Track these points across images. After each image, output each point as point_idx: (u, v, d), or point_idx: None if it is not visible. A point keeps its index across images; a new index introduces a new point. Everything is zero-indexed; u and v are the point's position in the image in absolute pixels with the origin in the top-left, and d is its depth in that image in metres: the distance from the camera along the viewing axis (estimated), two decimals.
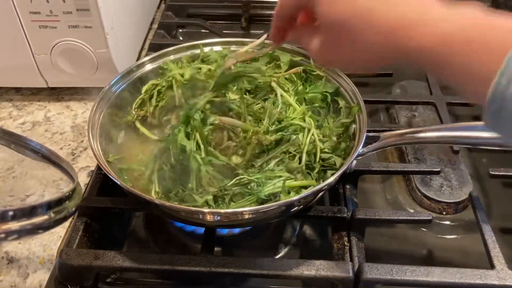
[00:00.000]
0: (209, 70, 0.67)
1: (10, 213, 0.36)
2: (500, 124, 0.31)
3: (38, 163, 0.71)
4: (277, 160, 0.58)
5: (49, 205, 0.41)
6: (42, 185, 0.68)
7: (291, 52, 0.71)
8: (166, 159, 0.58)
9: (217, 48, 0.74)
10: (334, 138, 0.61)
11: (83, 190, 0.67)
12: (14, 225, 0.36)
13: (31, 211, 0.38)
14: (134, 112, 0.67)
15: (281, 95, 0.65)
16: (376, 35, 0.36)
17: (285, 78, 0.69)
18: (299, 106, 0.63)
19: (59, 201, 0.43)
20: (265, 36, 0.65)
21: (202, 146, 0.57)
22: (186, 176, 0.56)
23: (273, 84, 0.66)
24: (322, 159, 0.59)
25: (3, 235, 0.36)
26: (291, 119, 0.61)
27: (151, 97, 0.68)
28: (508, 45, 0.29)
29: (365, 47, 0.38)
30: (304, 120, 0.61)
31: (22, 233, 0.37)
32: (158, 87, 0.68)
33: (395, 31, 0.35)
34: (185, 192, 0.55)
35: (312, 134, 0.60)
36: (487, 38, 0.31)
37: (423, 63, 0.35)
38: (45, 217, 0.40)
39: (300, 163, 0.58)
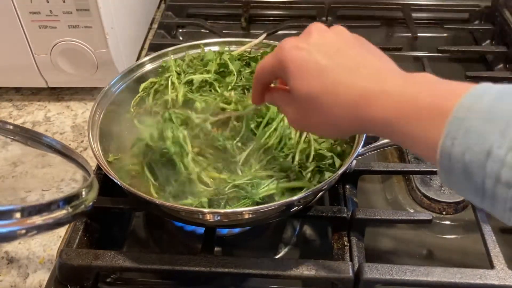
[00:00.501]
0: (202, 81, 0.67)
1: (29, 209, 0.37)
2: (452, 181, 0.34)
3: (38, 162, 0.71)
4: (268, 158, 0.58)
5: (67, 200, 0.41)
6: (42, 184, 0.68)
7: None
8: (153, 156, 0.58)
9: (217, 48, 0.74)
10: (332, 140, 0.61)
11: None
12: (33, 221, 0.37)
13: (49, 207, 0.39)
14: (132, 110, 0.68)
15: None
16: (341, 109, 0.40)
17: None
18: None
19: (76, 196, 0.43)
20: (264, 35, 0.65)
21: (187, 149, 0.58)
22: (174, 173, 0.56)
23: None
24: (318, 160, 0.59)
25: (23, 231, 0.36)
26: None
27: (149, 95, 0.68)
28: (448, 109, 0.32)
29: (333, 120, 0.41)
30: None
31: (41, 229, 0.38)
32: (156, 86, 0.68)
33: (357, 105, 0.39)
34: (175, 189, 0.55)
35: (307, 134, 0.60)
36: (431, 105, 0.34)
37: (382, 132, 0.39)
38: (63, 212, 0.40)
39: (293, 162, 0.58)
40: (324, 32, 0.43)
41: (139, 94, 0.69)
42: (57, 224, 0.39)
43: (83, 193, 0.45)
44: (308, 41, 0.42)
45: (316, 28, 0.43)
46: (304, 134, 0.60)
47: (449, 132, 0.32)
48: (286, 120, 0.60)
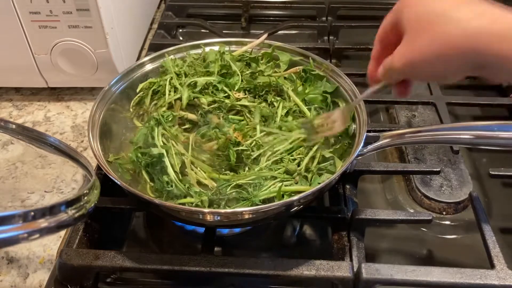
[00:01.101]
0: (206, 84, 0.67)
1: (31, 213, 0.36)
2: None
3: (38, 163, 0.71)
4: (276, 159, 0.59)
5: (69, 203, 0.41)
6: (43, 185, 0.68)
7: (291, 51, 0.71)
8: (147, 160, 0.58)
9: (217, 48, 0.74)
10: (332, 140, 0.61)
11: None
12: (35, 225, 0.37)
13: (51, 210, 0.38)
14: (132, 110, 0.68)
15: (297, 104, 0.65)
16: (456, 27, 0.39)
17: (284, 78, 0.69)
18: (309, 113, 0.64)
19: (78, 198, 0.43)
20: (265, 36, 0.66)
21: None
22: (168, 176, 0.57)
23: (284, 88, 0.66)
24: (320, 162, 0.59)
25: (25, 235, 0.36)
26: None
27: (147, 96, 0.68)
28: None
29: (445, 39, 0.39)
30: None
31: (43, 232, 0.37)
32: (155, 86, 0.68)
33: (477, 36, 0.38)
34: (171, 188, 0.56)
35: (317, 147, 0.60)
36: None
37: (499, 66, 0.38)
38: (65, 215, 0.40)
39: (299, 166, 0.58)
40: None
41: (138, 95, 0.69)
42: (59, 227, 0.39)
43: (85, 195, 0.45)
44: None
45: None
46: (315, 146, 0.60)
47: None
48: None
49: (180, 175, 0.57)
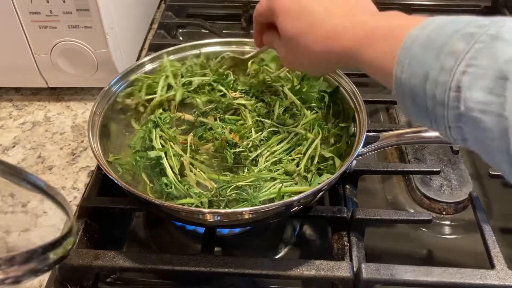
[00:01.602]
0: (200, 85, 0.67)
1: (8, 259, 0.35)
2: (406, 107, 0.37)
3: (38, 169, 0.71)
4: (275, 160, 0.58)
5: (47, 248, 0.39)
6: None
7: None
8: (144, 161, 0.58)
9: (217, 48, 0.74)
10: (332, 140, 0.61)
11: (84, 190, 0.67)
12: (12, 272, 0.35)
13: (29, 256, 0.37)
14: (119, 100, 0.66)
15: (294, 102, 0.65)
16: (318, 45, 0.46)
17: (279, 77, 0.69)
18: (310, 113, 0.64)
19: (57, 242, 0.41)
20: (259, 50, 0.66)
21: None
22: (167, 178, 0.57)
23: (285, 90, 0.66)
24: (319, 162, 0.59)
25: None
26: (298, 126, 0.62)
27: (141, 89, 0.67)
28: (401, 39, 0.36)
29: (313, 56, 0.47)
30: (312, 129, 0.62)
31: (20, 278, 0.36)
32: (150, 81, 0.67)
33: (329, 40, 0.45)
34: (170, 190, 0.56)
35: (316, 145, 0.60)
36: (387, 35, 0.39)
37: (349, 61, 0.44)
38: (44, 260, 0.38)
39: (298, 166, 0.58)
40: None
41: (131, 87, 0.67)
42: (36, 272, 0.37)
43: (63, 238, 0.42)
44: None
45: None
46: (314, 144, 0.60)
47: (399, 61, 0.36)
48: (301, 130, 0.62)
49: (179, 177, 0.57)
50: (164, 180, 0.56)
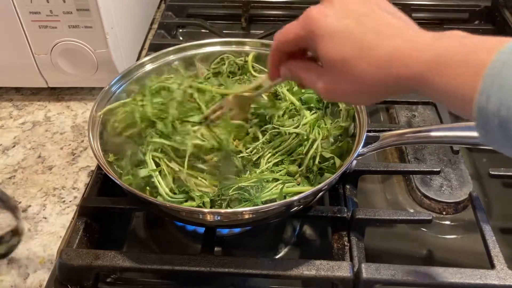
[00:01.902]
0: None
1: None
2: (490, 137, 0.34)
3: (38, 169, 0.71)
4: (276, 161, 0.59)
5: None
6: (43, 192, 0.69)
7: None
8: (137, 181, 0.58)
9: (217, 48, 0.74)
10: (332, 140, 0.62)
11: (84, 190, 0.67)
12: None
13: None
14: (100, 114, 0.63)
15: (293, 103, 0.65)
16: (373, 70, 0.40)
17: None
18: (310, 113, 0.64)
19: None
20: (263, 76, 0.65)
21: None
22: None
23: (284, 91, 0.66)
24: (320, 162, 0.59)
25: None
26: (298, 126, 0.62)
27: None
28: (482, 64, 0.32)
29: (365, 83, 0.41)
30: (312, 129, 0.62)
31: None
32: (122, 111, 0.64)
33: (389, 65, 0.39)
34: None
35: (317, 145, 0.60)
36: (464, 59, 0.34)
37: (415, 88, 0.38)
38: None
39: (300, 166, 0.58)
40: None
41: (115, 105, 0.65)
42: None
43: (8, 236, 0.45)
44: (333, 7, 0.42)
45: None
46: (315, 145, 0.60)
47: (484, 88, 0.32)
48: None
49: (176, 189, 0.56)
50: (159, 198, 0.55)
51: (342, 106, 0.65)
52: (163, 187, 0.56)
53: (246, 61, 0.73)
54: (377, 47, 0.39)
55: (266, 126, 0.62)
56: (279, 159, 0.59)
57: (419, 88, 0.38)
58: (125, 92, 0.67)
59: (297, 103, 0.65)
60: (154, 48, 0.88)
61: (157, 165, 0.58)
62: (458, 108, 0.36)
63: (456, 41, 0.36)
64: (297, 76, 0.48)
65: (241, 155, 0.57)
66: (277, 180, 0.57)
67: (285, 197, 0.54)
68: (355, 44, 0.40)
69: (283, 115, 0.63)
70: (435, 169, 0.64)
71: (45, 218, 0.63)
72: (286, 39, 0.46)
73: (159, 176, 0.57)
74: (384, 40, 0.39)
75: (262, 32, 0.97)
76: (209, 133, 0.59)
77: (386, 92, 0.43)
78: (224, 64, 0.72)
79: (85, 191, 0.66)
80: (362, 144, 0.56)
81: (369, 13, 0.41)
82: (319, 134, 0.61)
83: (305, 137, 0.61)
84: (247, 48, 0.74)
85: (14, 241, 0.45)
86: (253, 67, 0.71)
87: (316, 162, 0.59)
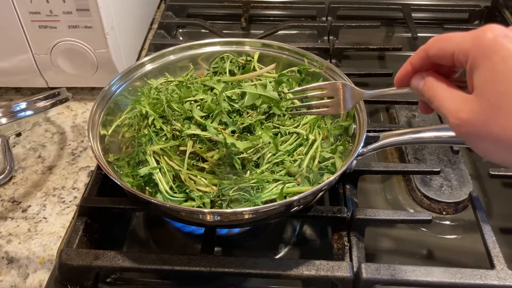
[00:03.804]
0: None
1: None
2: None
3: (38, 169, 0.71)
4: (277, 161, 0.58)
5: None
6: (43, 192, 0.69)
7: (290, 51, 0.71)
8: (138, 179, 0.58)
9: (217, 48, 0.74)
10: (332, 140, 0.62)
11: (84, 190, 0.67)
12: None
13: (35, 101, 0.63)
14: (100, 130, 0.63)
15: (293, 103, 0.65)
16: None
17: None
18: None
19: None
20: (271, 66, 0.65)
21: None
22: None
23: (284, 90, 0.66)
24: (320, 161, 0.59)
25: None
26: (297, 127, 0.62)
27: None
28: None
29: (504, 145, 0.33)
30: (312, 129, 0.62)
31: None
32: (128, 121, 0.65)
33: None
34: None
35: (317, 145, 0.60)
36: None
37: None
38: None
39: (300, 167, 0.58)
40: None
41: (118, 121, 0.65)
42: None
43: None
44: None
45: None
46: (315, 145, 0.60)
47: None
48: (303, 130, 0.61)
49: (175, 189, 0.56)
50: (159, 196, 0.55)
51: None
52: (163, 184, 0.56)
53: (248, 61, 0.72)
54: None
55: (267, 125, 0.62)
56: (280, 159, 0.59)
57: None
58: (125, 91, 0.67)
59: (297, 102, 0.65)
60: (154, 48, 0.88)
61: (157, 163, 0.58)
62: None
63: None
64: (432, 94, 0.39)
65: (241, 156, 0.57)
66: (277, 180, 0.57)
67: (285, 197, 0.54)
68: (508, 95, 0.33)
69: (283, 115, 0.63)
70: (435, 169, 0.64)
71: (45, 218, 0.63)
72: (443, 47, 0.38)
73: (159, 173, 0.57)
74: None
75: (262, 32, 0.97)
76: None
77: None
78: (225, 63, 0.72)
79: (85, 191, 0.66)
80: (362, 144, 0.56)
81: None
82: (319, 134, 0.61)
83: (305, 137, 0.61)
84: (247, 48, 0.74)
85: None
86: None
87: (316, 162, 0.59)
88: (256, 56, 0.72)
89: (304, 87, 0.54)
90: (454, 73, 0.41)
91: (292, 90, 0.63)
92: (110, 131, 0.63)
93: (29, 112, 0.61)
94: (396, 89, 0.46)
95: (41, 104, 0.63)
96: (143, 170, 0.56)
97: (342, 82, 0.54)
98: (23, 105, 0.61)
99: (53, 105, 0.65)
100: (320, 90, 0.53)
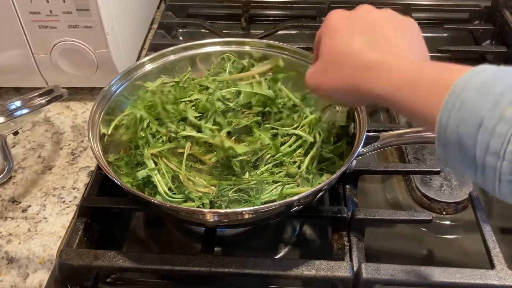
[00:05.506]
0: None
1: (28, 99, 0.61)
2: (448, 154, 0.35)
3: (38, 169, 0.71)
4: (276, 162, 0.58)
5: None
6: (43, 192, 0.69)
7: (290, 51, 0.71)
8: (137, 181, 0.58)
9: (217, 48, 0.74)
10: (332, 140, 0.61)
11: (84, 190, 0.67)
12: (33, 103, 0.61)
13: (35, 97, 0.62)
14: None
15: (291, 99, 0.65)
16: (355, 70, 0.43)
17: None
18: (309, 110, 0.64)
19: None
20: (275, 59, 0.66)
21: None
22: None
23: (281, 87, 0.66)
24: (320, 162, 0.59)
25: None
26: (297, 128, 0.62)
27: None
28: (448, 84, 0.34)
29: (346, 80, 0.45)
30: (312, 130, 0.62)
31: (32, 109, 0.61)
32: (125, 121, 0.65)
33: (367, 72, 0.42)
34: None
35: (317, 147, 0.60)
36: (433, 80, 0.36)
37: (384, 103, 0.41)
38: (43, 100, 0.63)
39: (299, 168, 0.58)
40: (371, 9, 0.47)
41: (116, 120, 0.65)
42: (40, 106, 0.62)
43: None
44: (352, 13, 0.47)
45: (365, 6, 0.48)
46: (315, 145, 0.60)
47: (446, 105, 0.34)
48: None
49: (174, 189, 0.56)
50: (158, 197, 0.55)
51: (338, 107, 0.65)
52: (162, 186, 0.56)
53: (252, 65, 0.72)
54: (362, 53, 0.43)
55: (265, 126, 0.62)
56: (279, 160, 0.59)
57: (384, 104, 0.42)
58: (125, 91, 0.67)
59: (296, 100, 0.64)
60: (154, 48, 0.88)
61: (155, 164, 0.58)
62: (421, 124, 0.39)
63: (432, 66, 0.38)
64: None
65: (239, 158, 0.57)
66: (276, 182, 0.57)
67: (285, 198, 0.54)
68: (346, 44, 0.45)
69: (280, 112, 0.63)
70: (435, 169, 0.64)
71: (45, 218, 0.63)
72: (317, 35, 0.51)
73: (158, 174, 0.57)
74: (372, 52, 0.43)
75: (262, 32, 0.97)
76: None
77: (357, 97, 0.46)
78: (225, 63, 0.72)
79: (85, 191, 0.66)
80: (362, 144, 0.56)
81: (381, 26, 0.45)
82: (319, 135, 0.61)
83: (305, 138, 0.60)
84: (247, 48, 0.73)
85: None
86: None
87: (315, 163, 0.59)
88: (279, 62, 0.70)
89: None
90: None
91: None
92: (109, 131, 0.63)
93: (25, 111, 0.60)
94: None
95: (37, 101, 0.62)
96: (141, 173, 0.57)
97: None
98: (18, 103, 0.60)
99: (49, 102, 0.64)
100: None
